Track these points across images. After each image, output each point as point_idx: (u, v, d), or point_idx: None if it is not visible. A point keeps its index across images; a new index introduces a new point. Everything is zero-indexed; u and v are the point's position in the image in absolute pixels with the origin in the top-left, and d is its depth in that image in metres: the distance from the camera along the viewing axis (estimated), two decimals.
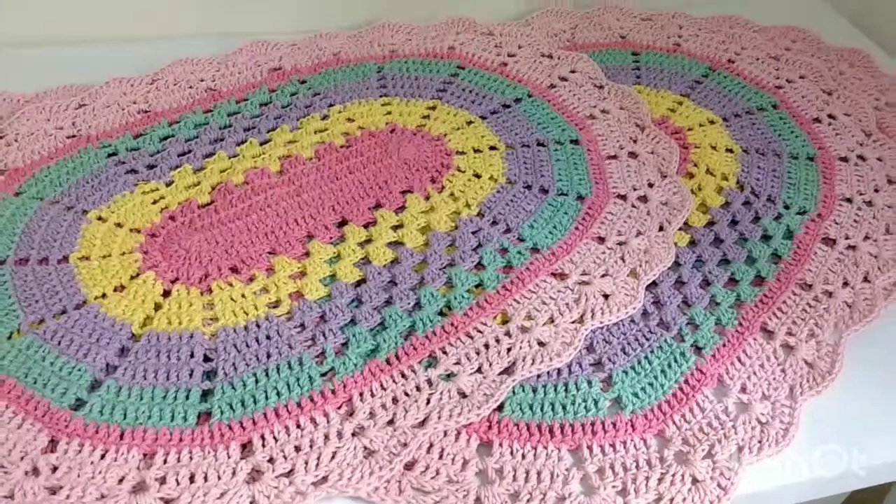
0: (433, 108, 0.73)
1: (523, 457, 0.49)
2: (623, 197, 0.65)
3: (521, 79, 0.77)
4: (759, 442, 0.50)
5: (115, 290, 0.55)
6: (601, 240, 0.61)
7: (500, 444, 0.49)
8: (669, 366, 0.54)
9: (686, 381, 0.53)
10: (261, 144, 0.68)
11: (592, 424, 0.50)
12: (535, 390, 0.52)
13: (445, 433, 0.49)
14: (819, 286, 0.60)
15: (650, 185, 0.66)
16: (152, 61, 0.76)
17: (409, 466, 0.48)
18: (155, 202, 0.62)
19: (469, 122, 0.71)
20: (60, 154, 0.65)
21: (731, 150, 0.71)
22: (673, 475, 0.48)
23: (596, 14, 0.88)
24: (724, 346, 0.56)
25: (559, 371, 0.53)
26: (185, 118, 0.70)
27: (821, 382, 0.54)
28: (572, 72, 0.78)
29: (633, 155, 0.69)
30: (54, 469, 0.46)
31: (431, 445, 0.49)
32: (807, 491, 0.50)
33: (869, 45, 0.89)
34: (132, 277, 0.56)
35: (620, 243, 0.61)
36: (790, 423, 0.51)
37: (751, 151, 0.72)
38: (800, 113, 0.77)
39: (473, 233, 0.61)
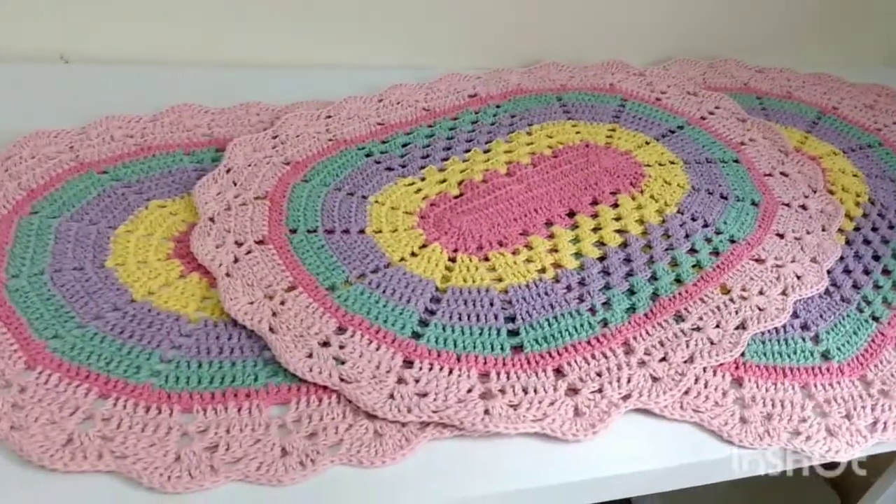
0: (613, 129, 0.87)
1: (766, 389, 0.61)
2: (787, 205, 0.79)
3: (676, 111, 0.92)
4: None
5: (411, 255, 0.67)
6: (780, 236, 0.75)
7: (748, 380, 0.62)
8: (858, 329, 0.67)
9: (873, 341, 0.67)
10: (483, 153, 0.81)
11: (812, 368, 0.63)
12: (763, 342, 0.65)
13: (705, 370, 0.62)
14: None
15: (806, 197, 0.80)
16: (356, 85, 0.89)
17: (684, 392, 0.60)
18: (416, 192, 0.75)
19: (647, 143, 0.86)
20: (327, 153, 0.78)
21: (856, 175, 0.87)
22: (882, 405, 0.61)
23: (720, 64, 1.04)
24: (894, 317, 0.69)
25: (777, 329, 0.66)
26: (415, 130, 0.83)
27: None
28: (717, 108, 0.93)
29: (784, 174, 0.83)
30: (416, 381, 0.57)
31: (697, 379, 0.61)
32: None
33: None
34: (421, 247, 0.68)
35: (797, 238, 0.74)
36: None
37: (872, 177, 0.87)
38: None
39: (680, 225, 0.74)
